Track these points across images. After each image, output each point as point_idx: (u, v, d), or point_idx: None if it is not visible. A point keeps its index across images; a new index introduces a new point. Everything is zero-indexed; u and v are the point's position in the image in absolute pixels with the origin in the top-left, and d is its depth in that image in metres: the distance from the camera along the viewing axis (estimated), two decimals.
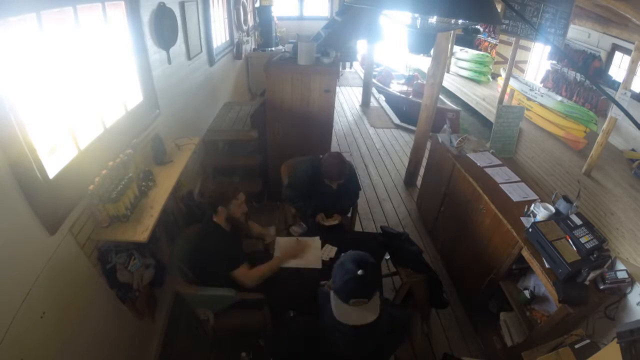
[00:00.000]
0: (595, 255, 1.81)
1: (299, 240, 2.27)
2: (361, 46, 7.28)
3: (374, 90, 7.83)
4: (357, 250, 1.34)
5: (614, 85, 5.53)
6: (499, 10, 2.98)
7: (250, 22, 6.68)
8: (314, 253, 2.20)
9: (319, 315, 1.36)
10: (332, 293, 1.28)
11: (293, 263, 2.12)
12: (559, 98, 6.03)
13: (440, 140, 3.24)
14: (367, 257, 1.29)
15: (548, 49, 7.03)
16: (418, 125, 4.12)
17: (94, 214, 1.62)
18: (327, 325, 1.30)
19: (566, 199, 2.16)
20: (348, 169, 2.45)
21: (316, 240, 2.27)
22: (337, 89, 5.90)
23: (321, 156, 2.47)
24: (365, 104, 7.36)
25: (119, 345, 1.91)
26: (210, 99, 4.20)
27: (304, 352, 1.37)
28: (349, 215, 2.84)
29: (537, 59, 8.03)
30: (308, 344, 1.37)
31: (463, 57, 8.72)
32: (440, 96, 5.15)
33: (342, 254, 1.35)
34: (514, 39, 6.00)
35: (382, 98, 7.71)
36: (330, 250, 2.22)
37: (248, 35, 6.43)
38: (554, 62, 6.93)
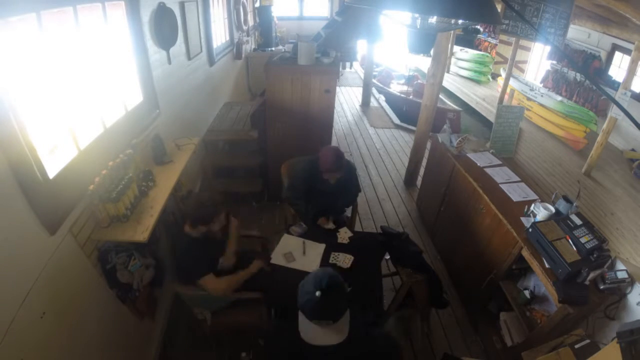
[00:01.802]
0: (595, 255, 1.81)
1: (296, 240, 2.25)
2: (361, 46, 7.28)
3: (374, 90, 7.82)
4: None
5: (614, 85, 5.51)
6: (499, 10, 2.98)
7: (250, 22, 6.68)
8: (314, 258, 2.18)
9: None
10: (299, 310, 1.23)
11: (290, 265, 2.12)
12: (559, 98, 6.02)
13: (440, 140, 3.24)
14: (331, 277, 1.20)
15: (548, 49, 7.01)
16: (418, 125, 4.12)
17: (94, 214, 1.62)
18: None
19: (566, 199, 2.16)
20: (345, 162, 2.43)
21: (320, 247, 2.26)
22: (337, 89, 5.90)
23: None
24: (365, 104, 7.35)
25: (119, 345, 1.91)
26: (210, 99, 4.20)
27: None
28: (349, 215, 2.84)
29: (537, 59, 8.02)
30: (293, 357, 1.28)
31: (463, 57, 8.71)
32: (441, 96, 5.14)
33: (309, 273, 1.27)
34: (514, 39, 5.98)
35: (382, 98, 7.70)
36: (345, 259, 2.15)
37: (248, 35, 6.43)
38: (554, 62, 6.92)
